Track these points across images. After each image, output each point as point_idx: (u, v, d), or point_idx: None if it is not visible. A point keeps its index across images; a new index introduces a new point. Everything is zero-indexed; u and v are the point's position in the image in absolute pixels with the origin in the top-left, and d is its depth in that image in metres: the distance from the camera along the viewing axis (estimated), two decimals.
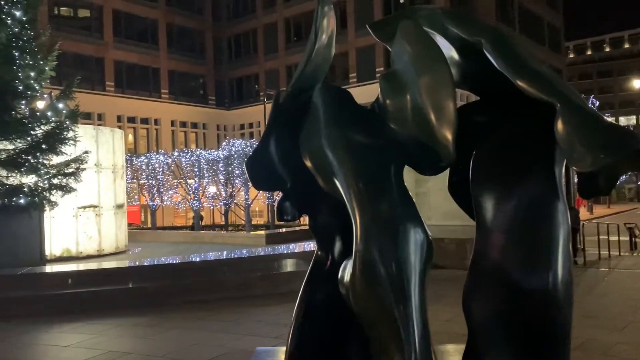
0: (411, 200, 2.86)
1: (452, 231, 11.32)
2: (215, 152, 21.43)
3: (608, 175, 3.04)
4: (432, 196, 13.85)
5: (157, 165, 22.04)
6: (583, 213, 29.21)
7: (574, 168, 2.65)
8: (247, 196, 20.43)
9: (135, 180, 23.01)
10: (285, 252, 11.50)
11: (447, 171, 3.24)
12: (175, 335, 6.76)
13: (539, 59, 3.03)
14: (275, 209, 3.69)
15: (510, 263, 2.82)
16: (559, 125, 2.45)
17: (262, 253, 11.33)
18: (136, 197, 23.85)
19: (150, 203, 22.61)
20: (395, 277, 2.55)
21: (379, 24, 3.40)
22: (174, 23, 41.24)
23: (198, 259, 11.09)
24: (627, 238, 17.94)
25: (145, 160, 22.53)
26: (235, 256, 10.78)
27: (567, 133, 2.45)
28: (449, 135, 2.57)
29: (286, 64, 40.05)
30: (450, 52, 2.94)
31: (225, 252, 11.56)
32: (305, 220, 8.13)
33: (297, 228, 16.85)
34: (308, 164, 3.03)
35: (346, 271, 2.72)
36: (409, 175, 3.06)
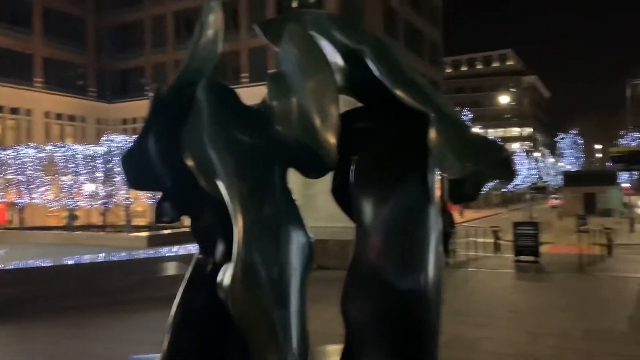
0: (294, 202, 2.86)
1: (337, 233, 11.58)
2: (94, 148, 20.13)
3: (475, 182, 3.27)
4: (320, 198, 14.10)
5: (26, 159, 20.22)
6: (454, 216, 31.34)
7: (445, 175, 2.82)
8: (127, 195, 19.41)
9: (0, 176, 20.94)
10: (168, 254, 11.05)
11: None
12: (41, 346, 6.20)
13: (417, 71, 3.19)
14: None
15: (385, 264, 2.93)
16: (432, 134, 2.59)
17: (143, 256, 10.80)
18: (1, 193, 21.70)
19: (18, 201, 20.68)
20: (276, 280, 2.54)
21: (266, 24, 3.39)
22: (51, 7, 38.16)
23: (71, 262, 10.29)
24: (492, 240, 19.59)
25: (13, 154, 20.59)
26: (113, 259, 10.17)
27: (438, 142, 2.60)
28: (331, 140, 2.61)
29: (175, 58, 38.67)
30: (335, 57, 3.00)
31: (102, 255, 10.86)
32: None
33: (182, 229, 16.32)
34: (189, 162, 2.91)
35: (226, 274, 2.66)
36: (297, 178, 3.07)
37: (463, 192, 3.27)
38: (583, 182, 45.81)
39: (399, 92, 2.70)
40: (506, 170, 3.03)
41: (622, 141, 50.90)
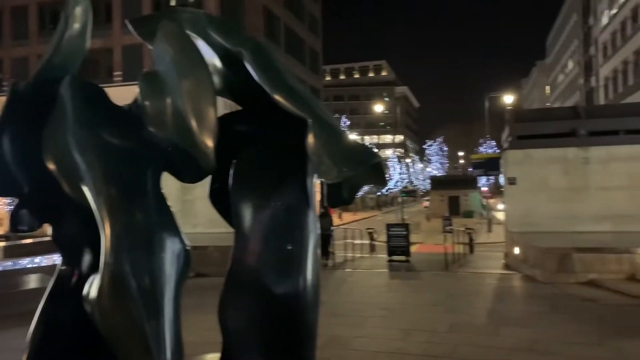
0: (169, 208, 2.74)
1: (217, 239, 11.35)
2: None
3: (351, 187, 3.38)
4: (198, 204, 13.73)
5: None
6: (333, 219, 32.32)
7: (322, 179, 2.87)
8: None
9: None
10: (28, 266, 10.08)
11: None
12: None
13: (296, 76, 3.22)
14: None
15: (264, 269, 2.92)
16: (310, 139, 2.62)
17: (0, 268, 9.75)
18: None
19: None
20: (148, 291, 2.41)
21: (140, 20, 3.21)
22: None
23: None
24: (368, 241, 20.44)
25: None
26: None
27: (316, 147, 2.64)
28: (209, 143, 2.54)
29: (38, 53, 35.51)
30: (212, 59, 2.93)
31: None
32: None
33: (45, 239, 14.97)
34: (51, 166, 2.67)
35: (92, 286, 2.47)
36: (175, 182, 2.95)
37: (340, 196, 3.38)
38: (448, 186, 49.59)
39: (277, 97, 2.70)
40: (379, 175, 3.16)
41: (481, 148, 55.83)
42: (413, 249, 22.04)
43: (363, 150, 3.01)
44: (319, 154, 2.65)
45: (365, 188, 49.22)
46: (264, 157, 3.14)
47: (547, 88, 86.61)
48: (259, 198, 3.04)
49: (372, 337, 6.56)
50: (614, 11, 46.66)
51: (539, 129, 13.61)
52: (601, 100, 49.74)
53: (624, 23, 43.40)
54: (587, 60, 57.83)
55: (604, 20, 49.72)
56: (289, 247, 2.96)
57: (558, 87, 77.59)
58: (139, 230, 2.51)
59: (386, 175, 3.28)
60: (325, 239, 15.75)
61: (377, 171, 3.14)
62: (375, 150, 3.51)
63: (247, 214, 3.00)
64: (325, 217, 16.32)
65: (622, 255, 9.50)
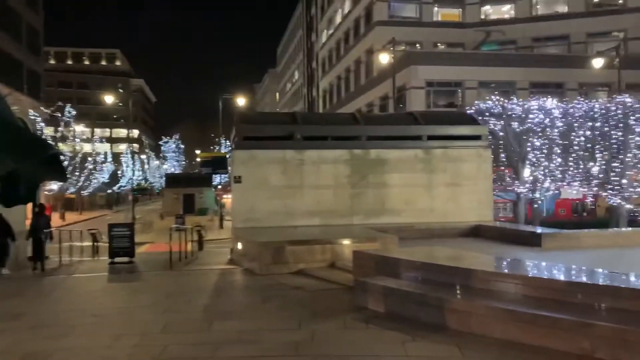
0: None
1: None
2: None
3: (28, 184, 2.99)
4: None
5: None
6: (55, 220, 29.05)
7: None
8: None
9: None
10: None
11: None
12: None
13: None
14: None
15: None
16: None
17: None
18: None
19: None
20: None
21: None
22: None
23: None
24: (91, 243, 18.91)
25: None
26: None
27: None
28: None
29: None
30: None
31: None
32: None
33: None
34: None
35: None
36: None
37: (17, 195, 3.00)
38: (183, 184, 49.43)
39: None
40: (57, 170, 2.86)
41: (218, 147, 57.16)
42: (142, 249, 21.27)
43: (33, 142, 2.67)
44: None
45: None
46: None
47: (277, 94, 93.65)
48: None
49: (76, 347, 6.00)
50: (331, 31, 52.97)
51: (263, 132, 14.51)
52: (320, 109, 55.91)
53: (338, 43, 49.64)
54: (310, 72, 64.39)
55: (324, 38, 56.06)
56: None
57: (286, 95, 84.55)
58: None
59: (64, 169, 2.98)
60: (37, 242, 13.99)
61: (53, 165, 2.83)
62: (50, 142, 3.16)
63: None
64: (40, 217, 14.49)
65: (326, 246, 10.76)
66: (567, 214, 25.68)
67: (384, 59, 29.12)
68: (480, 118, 17.25)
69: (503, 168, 19.42)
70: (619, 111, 18.56)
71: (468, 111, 19.18)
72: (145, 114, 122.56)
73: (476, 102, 21.14)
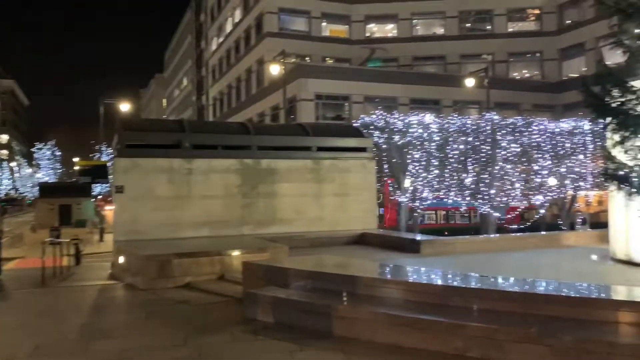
0: None
1: None
2: None
3: None
4: None
5: None
6: None
7: None
8: None
9: None
10: None
11: None
12: None
13: None
14: None
15: None
16: None
17: None
18: None
19: None
20: None
21: None
22: None
23: None
24: None
25: None
26: None
27: None
28: None
29: None
30: None
31: None
32: None
33: None
34: None
35: None
36: None
37: None
38: (59, 193, 45.81)
39: None
40: None
41: (98, 155, 53.87)
42: (11, 265, 19.33)
43: None
44: None
45: None
46: None
47: (164, 101, 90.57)
48: None
49: None
50: (221, 39, 52.43)
51: (148, 139, 13.94)
52: (210, 117, 54.95)
53: (229, 51, 49.24)
54: (199, 79, 63.13)
55: (214, 46, 55.32)
56: None
57: (174, 101, 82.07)
58: None
59: None
60: None
61: None
62: None
63: None
64: None
65: (215, 258, 10.55)
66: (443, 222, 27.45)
67: (274, 70, 29.37)
68: (365, 131, 17.97)
69: (386, 179, 20.36)
70: (488, 127, 20.30)
71: (354, 124, 19.89)
72: (16, 117, 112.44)
73: (362, 115, 22.02)
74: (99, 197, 48.16)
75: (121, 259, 12.22)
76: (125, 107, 39.65)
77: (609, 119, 7.69)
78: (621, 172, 7.46)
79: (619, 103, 7.36)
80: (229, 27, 49.14)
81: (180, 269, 10.18)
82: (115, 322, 7.74)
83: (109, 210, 45.45)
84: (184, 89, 73.69)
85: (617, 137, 7.54)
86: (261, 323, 6.99)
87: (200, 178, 14.01)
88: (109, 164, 28.86)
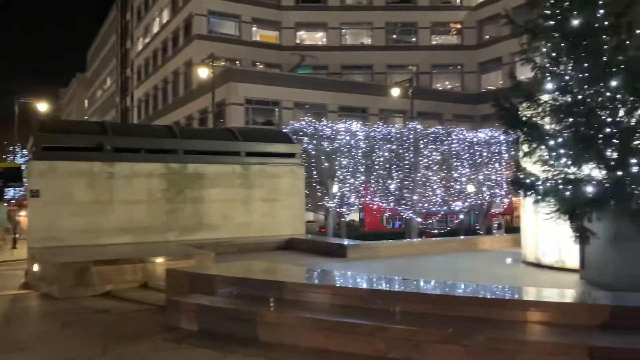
0: None
1: None
2: None
3: None
4: None
5: None
6: None
7: None
8: None
9: None
10: None
11: None
12: None
13: None
14: None
15: None
16: None
17: None
18: None
19: None
20: None
21: None
22: None
23: None
24: None
25: None
26: None
27: None
28: None
29: None
30: None
31: None
32: None
33: None
34: None
35: None
36: None
37: None
38: None
39: None
40: None
41: (12, 157, 50.64)
42: None
43: None
44: None
45: None
46: None
47: (86, 101, 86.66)
48: None
49: None
50: (147, 39, 50.95)
51: (66, 141, 13.30)
52: (135, 119, 53.18)
53: (155, 52, 47.93)
54: (123, 80, 60.94)
55: (140, 46, 53.64)
56: None
57: (97, 102, 78.71)
58: None
59: None
60: None
61: None
62: None
63: None
64: None
65: (137, 265, 10.23)
66: (377, 226, 28.01)
67: (203, 73, 28.93)
68: (295, 137, 18.10)
69: (315, 184, 20.59)
70: (411, 135, 21.05)
71: (284, 130, 19.99)
72: None
73: (291, 121, 22.16)
74: (13, 201, 45.22)
75: (36, 267, 11.56)
76: (43, 107, 37.56)
77: (518, 132, 8.23)
78: (528, 181, 7.99)
79: (527, 116, 7.90)
80: (156, 28, 47.84)
81: (100, 276, 9.78)
82: (28, 332, 7.32)
83: (23, 215, 42.77)
84: (107, 89, 70.84)
85: (526, 148, 8.08)
86: (184, 331, 6.86)
87: (122, 182, 13.53)
88: (23, 166, 27.19)
